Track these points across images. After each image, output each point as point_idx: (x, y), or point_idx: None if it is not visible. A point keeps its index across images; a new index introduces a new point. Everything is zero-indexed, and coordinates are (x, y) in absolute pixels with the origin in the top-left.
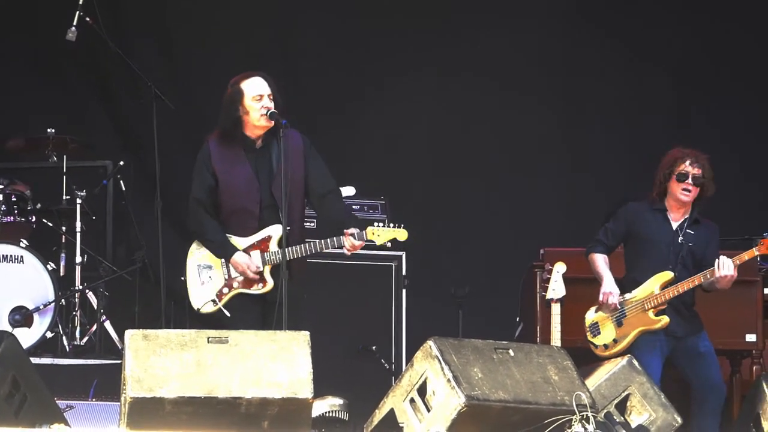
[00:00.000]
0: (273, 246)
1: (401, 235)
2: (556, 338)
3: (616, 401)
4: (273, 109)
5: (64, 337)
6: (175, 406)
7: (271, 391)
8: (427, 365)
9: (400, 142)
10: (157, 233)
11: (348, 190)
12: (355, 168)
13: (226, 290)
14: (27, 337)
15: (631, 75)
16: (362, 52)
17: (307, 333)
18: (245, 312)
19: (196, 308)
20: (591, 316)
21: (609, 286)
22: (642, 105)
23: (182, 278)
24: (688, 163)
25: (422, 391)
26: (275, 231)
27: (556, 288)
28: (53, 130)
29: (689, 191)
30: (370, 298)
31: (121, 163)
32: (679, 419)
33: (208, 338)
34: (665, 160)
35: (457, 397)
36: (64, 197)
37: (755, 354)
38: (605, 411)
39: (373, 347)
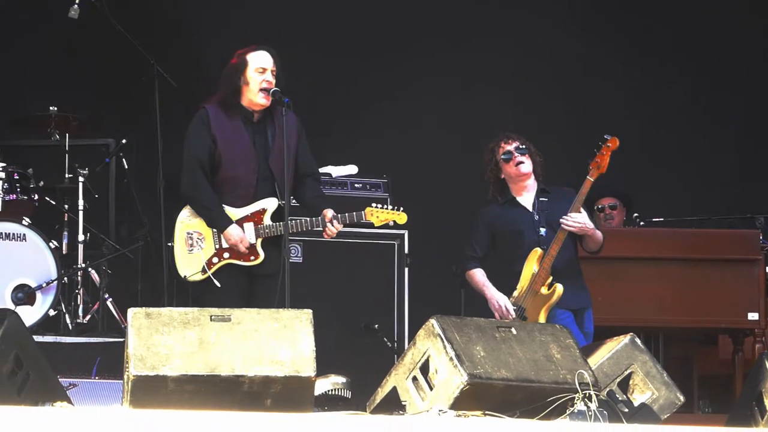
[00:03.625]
0: (267, 219)
1: (400, 218)
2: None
3: (618, 380)
4: (275, 87)
5: (66, 316)
6: (177, 384)
7: (273, 370)
8: (429, 343)
9: (403, 120)
10: (160, 211)
11: (350, 169)
12: (358, 146)
13: (216, 260)
14: (30, 315)
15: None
16: (367, 31)
17: (310, 311)
18: (229, 282)
19: (182, 276)
20: None
21: (497, 300)
22: (653, 105)
23: (170, 244)
24: (503, 143)
25: (425, 369)
26: (270, 204)
27: None
28: (55, 108)
29: (523, 162)
30: (372, 276)
31: (124, 141)
32: (681, 397)
33: (211, 316)
34: (486, 156)
35: (459, 375)
36: (66, 175)
37: (758, 332)
38: (608, 389)
39: (376, 325)
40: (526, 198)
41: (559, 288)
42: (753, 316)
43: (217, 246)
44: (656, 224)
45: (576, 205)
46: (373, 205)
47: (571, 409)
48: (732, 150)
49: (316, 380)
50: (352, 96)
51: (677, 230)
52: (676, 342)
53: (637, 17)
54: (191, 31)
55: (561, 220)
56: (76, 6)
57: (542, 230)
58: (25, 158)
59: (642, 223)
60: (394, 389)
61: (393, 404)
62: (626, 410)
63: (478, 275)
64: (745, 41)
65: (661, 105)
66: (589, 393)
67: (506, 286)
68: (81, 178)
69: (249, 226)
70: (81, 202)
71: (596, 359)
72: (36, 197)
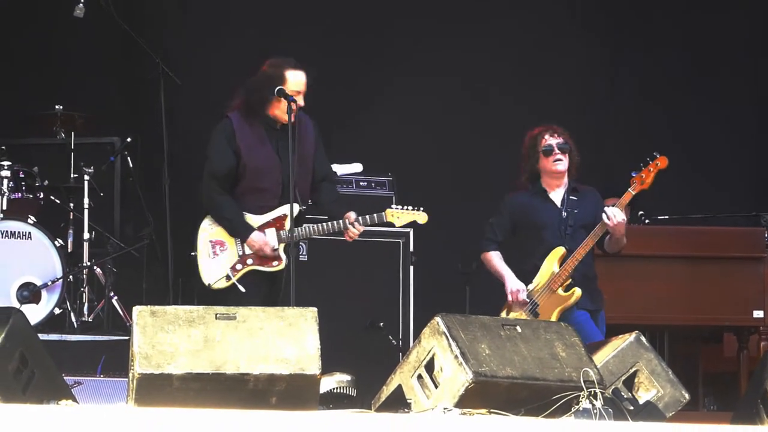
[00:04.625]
0: (287, 225)
1: (421, 217)
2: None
3: (623, 377)
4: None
5: (71, 314)
6: (183, 382)
7: (278, 368)
8: (434, 342)
9: (407, 118)
10: (165, 209)
11: (355, 167)
12: (363, 145)
13: (239, 266)
14: (35, 313)
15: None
16: (370, 28)
17: (315, 309)
18: (253, 288)
19: (207, 284)
20: (505, 317)
21: (514, 284)
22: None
23: (192, 254)
24: (547, 136)
25: (430, 367)
26: (288, 210)
27: None
28: (61, 107)
29: (561, 159)
30: (377, 274)
31: (129, 139)
32: (686, 395)
33: (216, 315)
34: (526, 144)
35: (464, 373)
36: (71, 174)
37: (762, 330)
38: (613, 387)
39: (381, 324)
40: (557, 194)
41: (578, 292)
42: (758, 313)
43: (241, 253)
44: (661, 222)
45: (621, 205)
46: (393, 206)
47: (576, 407)
48: (738, 147)
49: (321, 378)
50: (357, 94)
51: (682, 228)
52: (681, 340)
53: (639, 16)
54: (196, 29)
55: (605, 209)
56: (81, 5)
57: (568, 229)
58: (31, 157)
59: (647, 221)
60: (399, 387)
61: (398, 402)
62: (631, 408)
63: (496, 258)
64: (752, 42)
65: (665, 103)
66: (595, 391)
67: (522, 276)
68: (86, 177)
69: (271, 231)
70: (86, 201)
71: (601, 357)
72: (41, 196)
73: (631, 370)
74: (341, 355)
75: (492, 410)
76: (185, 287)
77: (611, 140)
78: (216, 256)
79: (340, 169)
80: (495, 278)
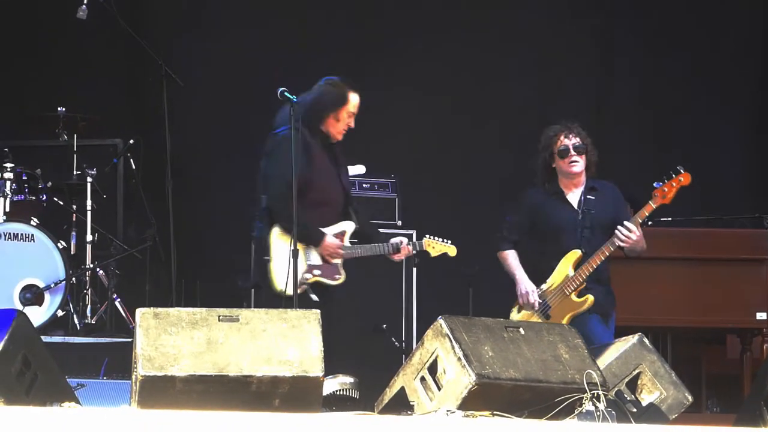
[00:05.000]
0: (346, 241)
1: (452, 251)
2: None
3: (626, 379)
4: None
5: (74, 316)
6: (186, 384)
7: (281, 370)
8: (437, 343)
9: (410, 119)
10: (168, 211)
11: (358, 169)
12: (365, 146)
13: (308, 276)
14: (38, 315)
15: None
16: (374, 28)
17: (318, 311)
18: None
19: (280, 290)
20: (516, 316)
21: (525, 286)
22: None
23: (265, 258)
24: (563, 137)
25: (433, 369)
26: (348, 227)
27: None
28: (64, 109)
29: (577, 161)
30: (380, 276)
31: (131, 141)
32: (689, 397)
33: (219, 316)
34: (542, 143)
35: (467, 375)
36: (74, 176)
37: (766, 332)
38: (616, 389)
39: (384, 326)
40: (574, 195)
41: (591, 299)
42: (761, 315)
43: (309, 262)
44: (664, 224)
45: (635, 222)
46: (429, 237)
47: (580, 409)
48: (741, 149)
49: (324, 380)
50: (360, 94)
51: (685, 230)
52: (684, 342)
53: (639, 16)
54: (199, 31)
55: (616, 231)
56: (84, 6)
57: (585, 231)
58: (34, 158)
59: (650, 222)
60: (402, 389)
61: (401, 404)
62: (634, 410)
63: (511, 257)
64: (753, 42)
65: (667, 104)
66: (598, 393)
67: (536, 275)
68: (89, 179)
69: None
70: (89, 203)
71: (604, 359)
72: (44, 197)
73: (634, 372)
74: (344, 357)
75: (495, 412)
76: (188, 289)
77: (612, 141)
78: (289, 263)
79: None
80: (499, 279)
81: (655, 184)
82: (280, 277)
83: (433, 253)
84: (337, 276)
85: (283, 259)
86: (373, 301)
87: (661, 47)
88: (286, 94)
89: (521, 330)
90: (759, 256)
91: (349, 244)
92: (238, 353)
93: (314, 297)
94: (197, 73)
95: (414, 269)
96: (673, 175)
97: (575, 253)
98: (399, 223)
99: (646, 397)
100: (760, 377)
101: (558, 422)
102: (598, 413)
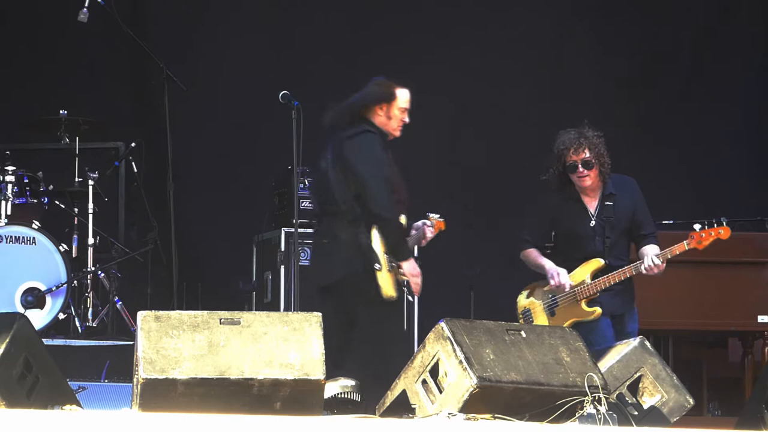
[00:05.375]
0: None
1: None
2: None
3: (628, 382)
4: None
5: (76, 319)
6: (187, 387)
7: (283, 373)
8: (439, 346)
9: (413, 122)
10: (170, 214)
11: None
12: None
13: (398, 278)
14: (39, 318)
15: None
16: (373, 29)
17: (319, 314)
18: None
19: (389, 295)
20: (524, 301)
21: (554, 267)
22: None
23: (376, 266)
24: (572, 152)
25: (434, 372)
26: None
27: None
28: (65, 112)
29: (587, 176)
30: None
31: (133, 144)
32: (691, 400)
33: (221, 319)
34: (553, 151)
35: (469, 378)
36: (76, 179)
37: (767, 335)
38: (617, 392)
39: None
40: (591, 200)
41: (598, 311)
42: (763, 318)
43: (393, 264)
44: (665, 227)
45: (663, 257)
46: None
47: (581, 412)
48: (744, 152)
49: (325, 383)
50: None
51: (687, 233)
52: (685, 345)
53: (650, 14)
54: (201, 34)
55: (645, 259)
56: (85, 10)
57: (606, 241)
58: (35, 162)
59: None
60: (404, 392)
61: (402, 407)
62: (636, 413)
63: (534, 253)
64: (755, 43)
65: (668, 105)
66: (599, 396)
67: None
68: (91, 182)
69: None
70: (91, 206)
71: (606, 362)
72: (46, 201)
73: (636, 375)
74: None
75: (496, 415)
76: (189, 292)
77: (612, 143)
78: (390, 268)
79: None
80: (500, 281)
81: (695, 227)
82: (387, 284)
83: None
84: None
85: (386, 265)
86: None
87: (666, 46)
88: (288, 97)
89: (523, 333)
90: (761, 259)
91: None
92: (240, 356)
93: (411, 298)
94: (199, 76)
95: None
96: (715, 225)
97: (597, 262)
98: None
99: (648, 400)
100: (761, 380)
101: (559, 425)
102: (600, 416)
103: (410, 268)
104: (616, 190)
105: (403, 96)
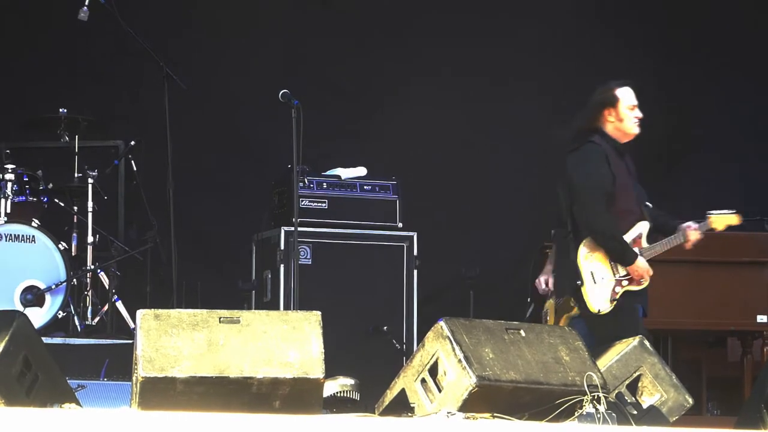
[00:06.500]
0: (644, 242)
1: (734, 219)
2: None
3: (627, 382)
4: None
5: (75, 317)
6: (186, 385)
7: (282, 371)
8: (438, 345)
9: (412, 122)
10: (169, 213)
11: (359, 171)
12: (367, 148)
13: (618, 289)
14: (39, 316)
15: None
16: (377, 31)
17: (319, 313)
18: (630, 312)
19: (597, 310)
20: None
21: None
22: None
23: (578, 282)
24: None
25: (433, 371)
26: (644, 228)
27: None
28: (65, 110)
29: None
30: (381, 278)
31: (133, 143)
32: (690, 400)
33: (220, 318)
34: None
35: (468, 377)
36: (75, 177)
37: (767, 335)
38: (616, 391)
39: (385, 327)
40: None
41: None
42: (762, 318)
43: (617, 275)
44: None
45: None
46: (713, 212)
47: (580, 411)
48: (743, 151)
49: (324, 382)
50: (362, 98)
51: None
52: (684, 344)
53: (654, 15)
54: (201, 33)
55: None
56: (85, 8)
57: None
58: (35, 160)
59: None
60: (403, 391)
61: (402, 406)
62: (635, 412)
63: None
64: (748, 43)
65: (668, 105)
66: (598, 395)
67: None
68: (90, 180)
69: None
70: (90, 204)
71: (605, 361)
72: (45, 199)
73: (635, 375)
74: (345, 359)
75: (495, 414)
76: (189, 290)
77: None
78: (598, 282)
79: (344, 172)
80: (500, 282)
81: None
82: (593, 299)
83: (720, 227)
84: (642, 280)
85: (590, 278)
86: (373, 302)
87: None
88: (287, 96)
89: (522, 332)
90: (760, 258)
91: (647, 245)
92: (239, 355)
93: (611, 307)
94: (199, 74)
95: (415, 271)
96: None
97: None
98: (400, 225)
99: (647, 400)
100: (760, 380)
101: (558, 424)
102: (599, 415)
103: (635, 270)
104: None
105: (625, 94)
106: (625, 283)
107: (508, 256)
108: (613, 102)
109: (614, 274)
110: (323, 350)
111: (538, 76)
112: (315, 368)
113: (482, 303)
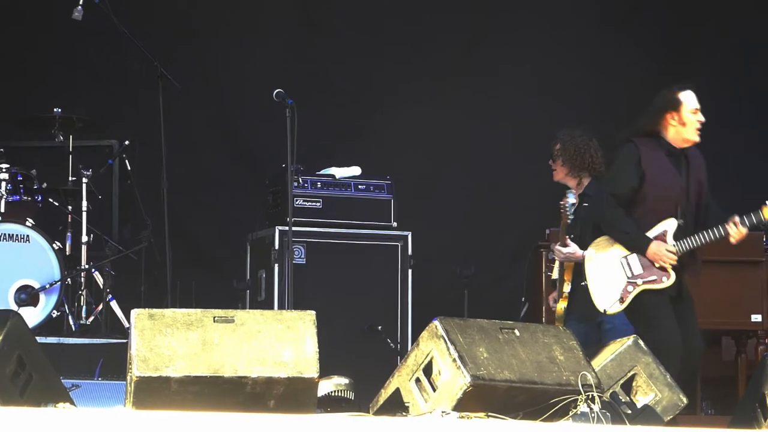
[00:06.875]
0: (669, 239)
1: None
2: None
3: (621, 381)
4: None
5: (70, 317)
6: (181, 385)
7: (276, 371)
8: (432, 345)
9: (407, 122)
10: (163, 212)
11: (354, 170)
12: (361, 148)
13: (630, 288)
14: (33, 316)
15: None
16: (371, 31)
17: (313, 312)
18: (659, 309)
19: (603, 310)
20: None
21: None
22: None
23: (582, 283)
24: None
25: (428, 370)
26: (670, 225)
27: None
28: (59, 110)
29: (554, 170)
30: (376, 277)
31: (127, 142)
32: (684, 399)
33: (214, 318)
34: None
35: (462, 377)
36: (70, 177)
37: (761, 334)
38: (611, 391)
39: (379, 327)
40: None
41: (559, 308)
42: (756, 317)
43: (630, 275)
44: None
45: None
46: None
47: (574, 410)
48: (735, 150)
49: (319, 381)
50: (357, 98)
51: None
52: None
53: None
54: (195, 32)
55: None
56: (80, 8)
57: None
58: (29, 159)
59: None
60: (398, 391)
61: (396, 406)
62: (629, 412)
63: None
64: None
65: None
66: (592, 395)
67: None
68: (84, 180)
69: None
70: (84, 203)
71: (599, 361)
72: (39, 198)
73: (629, 374)
74: (340, 359)
75: (490, 414)
76: (183, 290)
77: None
78: (606, 281)
79: (338, 172)
80: (494, 280)
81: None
82: (599, 298)
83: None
84: (663, 278)
85: (595, 278)
86: (368, 302)
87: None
88: (282, 95)
89: (516, 331)
90: (754, 258)
91: (673, 242)
92: (233, 354)
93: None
94: (193, 73)
95: (410, 270)
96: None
97: (569, 264)
98: (394, 224)
99: (641, 399)
100: (754, 379)
101: (553, 424)
102: (593, 415)
103: (652, 255)
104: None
105: (688, 98)
106: (639, 282)
107: (503, 256)
108: (676, 105)
109: (626, 275)
110: (318, 350)
111: (537, 76)
112: (309, 368)
113: (477, 302)
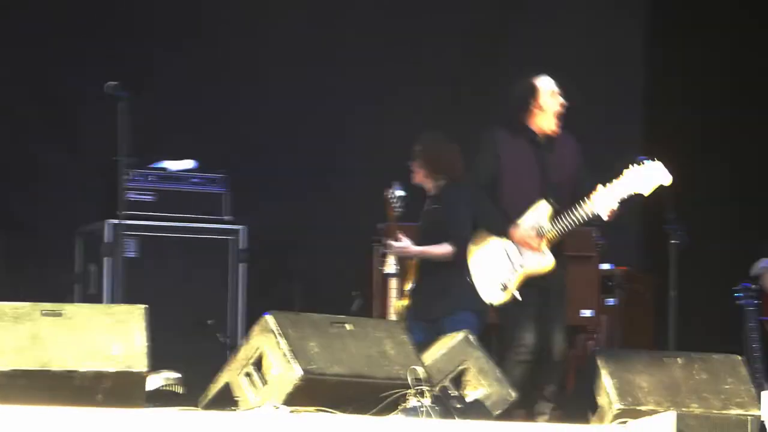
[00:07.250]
0: (544, 222)
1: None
2: (392, 312)
3: (451, 375)
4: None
5: None
6: (9, 379)
7: (105, 365)
8: (263, 339)
9: (244, 117)
10: None
11: (187, 163)
12: (197, 141)
13: (511, 276)
14: None
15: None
16: (365, 36)
17: (143, 306)
18: (527, 298)
19: (489, 303)
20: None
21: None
22: None
23: (468, 279)
24: None
25: (259, 365)
26: (542, 208)
27: (394, 263)
28: None
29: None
30: (208, 272)
31: None
32: (513, 394)
33: (42, 311)
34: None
35: (293, 371)
36: None
37: (589, 329)
38: (441, 385)
39: (210, 321)
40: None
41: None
42: (585, 312)
43: (510, 264)
44: None
45: None
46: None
47: (404, 404)
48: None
49: (148, 376)
50: (195, 88)
51: None
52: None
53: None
54: (191, 30)
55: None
56: None
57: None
58: None
59: None
60: (227, 385)
61: (226, 400)
62: (459, 406)
63: None
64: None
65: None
66: (422, 389)
67: None
68: None
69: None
70: None
71: (431, 355)
72: None
73: (459, 368)
74: (170, 353)
75: (320, 408)
76: (12, 283)
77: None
78: (488, 274)
79: (171, 165)
80: (328, 275)
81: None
82: (485, 292)
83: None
84: (542, 261)
85: (479, 274)
86: (200, 296)
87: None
88: (112, 88)
89: (347, 326)
90: (586, 253)
91: (549, 225)
92: (62, 348)
93: (518, 296)
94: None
95: (241, 265)
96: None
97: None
98: (228, 218)
99: (471, 393)
100: (586, 375)
101: (382, 418)
102: (423, 409)
103: (519, 239)
104: (444, 197)
105: (543, 85)
106: (519, 268)
107: (338, 250)
108: (531, 93)
109: (509, 264)
110: (148, 344)
111: (373, 65)
112: (138, 362)
113: (309, 298)
